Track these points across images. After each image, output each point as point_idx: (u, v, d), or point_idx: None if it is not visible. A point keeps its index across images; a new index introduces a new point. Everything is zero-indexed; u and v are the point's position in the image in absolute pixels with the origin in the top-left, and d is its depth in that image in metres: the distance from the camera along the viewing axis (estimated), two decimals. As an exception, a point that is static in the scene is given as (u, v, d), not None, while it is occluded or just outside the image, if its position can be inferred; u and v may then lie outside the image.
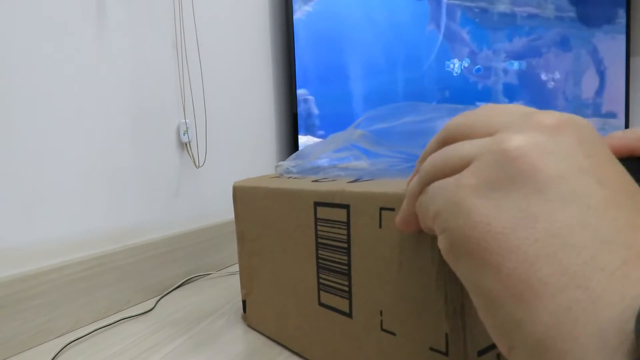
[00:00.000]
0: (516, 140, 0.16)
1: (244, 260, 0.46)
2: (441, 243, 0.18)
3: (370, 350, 0.30)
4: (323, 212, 0.33)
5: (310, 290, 0.35)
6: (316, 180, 0.37)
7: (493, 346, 0.26)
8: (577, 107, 1.20)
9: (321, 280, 0.34)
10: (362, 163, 0.39)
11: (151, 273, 0.57)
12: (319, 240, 0.34)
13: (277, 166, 0.46)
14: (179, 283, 0.61)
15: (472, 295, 0.17)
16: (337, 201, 0.31)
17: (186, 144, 0.66)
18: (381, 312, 0.29)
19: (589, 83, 1.20)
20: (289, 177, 0.42)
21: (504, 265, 0.15)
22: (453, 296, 0.24)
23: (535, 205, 0.15)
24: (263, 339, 0.42)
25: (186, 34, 0.65)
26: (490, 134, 0.18)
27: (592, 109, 1.21)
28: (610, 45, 1.20)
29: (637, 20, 1.23)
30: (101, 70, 0.53)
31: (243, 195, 0.44)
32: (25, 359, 0.41)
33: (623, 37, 1.20)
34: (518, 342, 0.15)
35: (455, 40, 1.07)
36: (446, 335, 0.25)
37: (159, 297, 0.57)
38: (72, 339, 0.44)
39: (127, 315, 0.50)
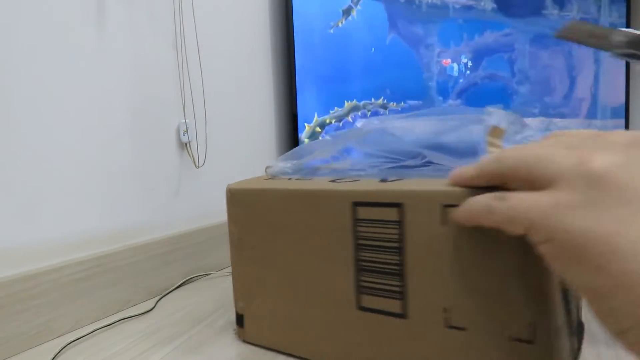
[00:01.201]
0: (599, 160, 0.20)
1: (240, 269, 0.41)
2: (547, 251, 0.21)
3: (430, 349, 0.30)
4: (365, 213, 0.32)
5: (344, 295, 0.34)
6: (333, 181, 0.36)
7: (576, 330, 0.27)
8: (576, 106, 1.20)
9: (362, 283, 0.33)
10: (357, 163, 0.39)
11: (151, 273, 0.57)
12: (360, 241, 0.33)
13: (267, 167, 0.43)
14: (179, 283, 0.61)
15: (583, 293, 0.20)
16: (386, 200, 0.31)
17: (186, 144, 0.66)
18: (445, 309, 0.29)
19: (588, 83, 1.20)
20: (288, 179, 0.40)
21: (611, 265, 0.18)
22: (535, 285, 0.26)
23: (626, 214, 0.18)
24: (263, 339, 0.42)
25: (186, 34, 0.65)
26: (571, 155, 0.21)
27: (592, 108, 1.21)
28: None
29: (637, 21, 1.23)
30: (101, 70, 0.53)
31: (243, 199, 0.40)
32: (25, 359, 0.41)
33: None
34: (629, 326, 0.18)
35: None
36: (531, 324, 0.26)
37: (159, 297, 0.57)
38: (72, 339, 0.44)
39: (127, 315, 0.50)
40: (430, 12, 1.03)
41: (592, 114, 1.20)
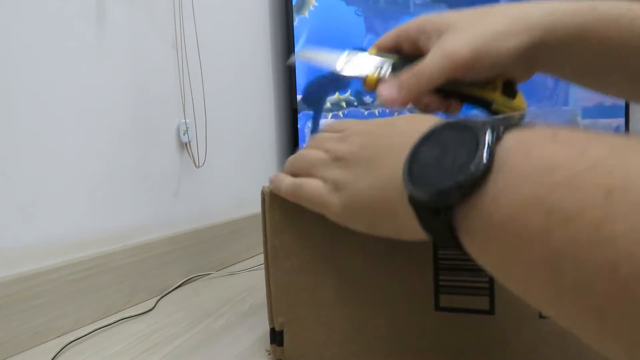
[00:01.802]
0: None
1: (281, 280, 0.36)
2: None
3: (521, 343, 0.30)
4: None
5: (421, 296, 0.32)
6: None
7: None
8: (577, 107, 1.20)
9: (442, 283, 0.32)
10: None
11: (151, 273, 0.57)
12: None
13: None
14: (179, 283, 0.61)
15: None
16: None
17: (186, 144, 0.66)
18: None
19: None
20: None
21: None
22: None
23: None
24: (264, 339, 0.42)
25: (186, 34, 0.65)
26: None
27: (593, 108, 1.21)
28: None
29: (637, 21, 1.23)
30: (100, 70, 0.53)
31: (285, 202, 0.34)
32: (25, 359, 0.41)
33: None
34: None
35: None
36: None
37: (159, 297, 0.57)
38: (72, 339, 0.44)
39: (127, 315, 0.50)
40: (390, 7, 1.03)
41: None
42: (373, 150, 0.26)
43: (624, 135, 0.16)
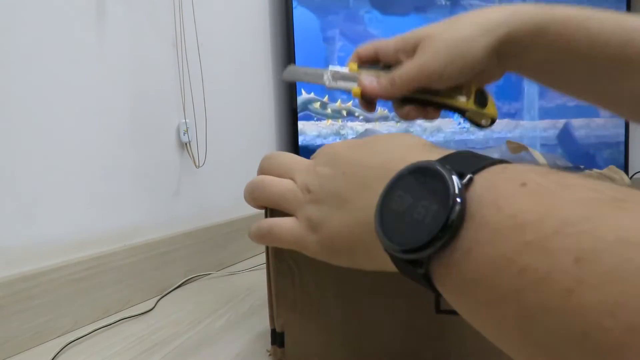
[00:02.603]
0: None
1: (283, 281, 0.35)
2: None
3: None
4: None
5: (420, 299, 0.32)
6: None
7: None
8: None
9: None
10: None
11: (151, 273, 0.57)
12: None
13: None
14: (179, 283, 0.61)
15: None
16: None
17: (186, 144, 0.66)
18: None
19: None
20: None
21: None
22: None
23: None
24: (264, 339, 0.42)
25: (186, 34, 0.65)
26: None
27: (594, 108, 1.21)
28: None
29: (637, 20, 1.23)
30: (101, 70, 0.53)
31: None
32: (25, 359, 0.41)
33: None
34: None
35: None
36: None
37: (159, 297, 0.57)
38: (72, 339, 0.44)
39: (127, 315, 0.50)
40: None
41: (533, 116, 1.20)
42: (343, 184, 0.26)
43: (595, 181, 0.16)
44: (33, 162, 0.45)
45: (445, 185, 0.17)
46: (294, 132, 0.93)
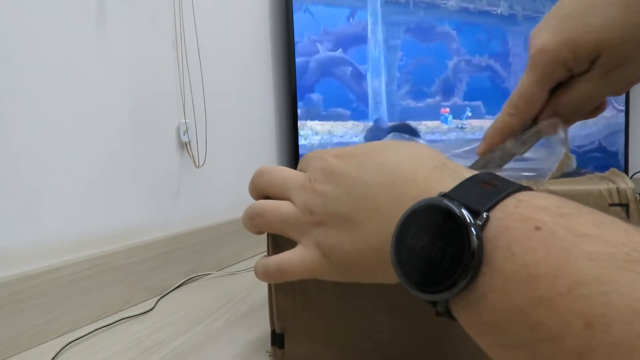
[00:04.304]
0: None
1: (281, 283, 0.35)
2: None
3: None
4: None
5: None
6: None
7: None
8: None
9: None
10: None
11: (151, 273, 0.57)
12: None
13: None
14: (179, 283, 0.61)
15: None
16: None
17: (186, 144, 0.66)
18: None
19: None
20: None
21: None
22: None
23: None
24: (264, 339, 0.42)
25: (186, 34, 0.65)
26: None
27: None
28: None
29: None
30: (101, 70, 0.53)
31: None
32: (25, 359, 0.41)
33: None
34: None
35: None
36: None
37: (159, 297, 0.57)
38: (72, 339, 0.44)
39: (127, 315, 0.50)
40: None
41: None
42: (349, 206, 0.24)
43: (606, 225, 0.15)
44: (33, 162, 0.45)
45: (461, 229, 0.17)
46: (294, 132, 0.93)
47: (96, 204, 0.52)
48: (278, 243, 0.32)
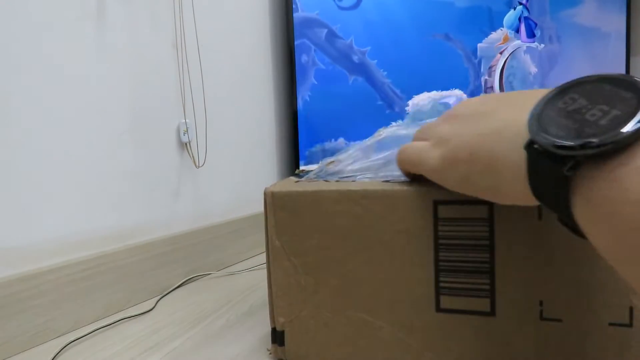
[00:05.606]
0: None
1: (282, 280, 0.36)
2: None
3: (522, 343, 0.30)
4: (447, 211, 0.31)
5: (421, 297, 0.32)
6: (387, 181, 0.34)
7: None
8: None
9: (442, 284, 0.32)
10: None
11: (151, 273, 0.57)
12: (440, 241, 0.31)
13: (303, 171, 0.42)
14: (179, 283, 0.61)
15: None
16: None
17: (186, 144, 0.66)
18: (541, 303, 0.29)
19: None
20: (325, 181, 0.37)
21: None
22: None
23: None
24: (264, 339, 0.42)
25: (186, 34, 0.65)
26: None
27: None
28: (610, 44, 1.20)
29: (637, 21, 1.23)
30: (101, 70, 0.53)
31: (288, 203, 0.35)
32: (25, 359, 0.41)
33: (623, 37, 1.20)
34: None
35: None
36: (630, 308, 0.27)
37: (159, 297, 0.57)
38: (72, 339, 0.44)
39: (127, 315, 0.50)
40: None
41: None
42: (493, 104, 0.24)
43: None
44: (33, 162, 0.45)
45: (638, 97, 0.15)
46: (294, 132, 0.93)
47: (96, 203, 0.52)
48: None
